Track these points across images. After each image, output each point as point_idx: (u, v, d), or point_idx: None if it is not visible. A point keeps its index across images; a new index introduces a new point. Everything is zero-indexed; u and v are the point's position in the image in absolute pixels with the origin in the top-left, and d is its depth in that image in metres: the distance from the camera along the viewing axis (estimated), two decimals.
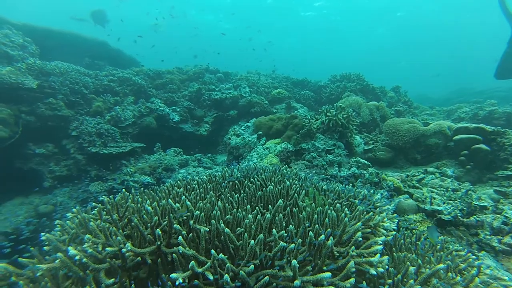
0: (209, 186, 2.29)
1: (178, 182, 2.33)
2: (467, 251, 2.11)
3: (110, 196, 2.14)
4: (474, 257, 2.01)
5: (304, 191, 2.17)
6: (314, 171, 4.73)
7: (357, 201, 2.10)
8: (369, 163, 4.85)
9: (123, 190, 2.29)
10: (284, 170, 2.79)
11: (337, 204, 1.76)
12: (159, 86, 9.03)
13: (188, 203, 1.61)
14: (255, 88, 9.61)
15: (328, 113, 5.46)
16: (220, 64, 11.35)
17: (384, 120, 6.86)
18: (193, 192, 1.95)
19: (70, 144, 6.42)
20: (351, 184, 4.14)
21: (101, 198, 2.29)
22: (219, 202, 1.74)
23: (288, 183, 2.16)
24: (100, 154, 6.03)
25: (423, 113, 9.70)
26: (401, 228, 3.20)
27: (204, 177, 2.52)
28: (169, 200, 1.57)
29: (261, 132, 6.23)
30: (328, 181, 4.46)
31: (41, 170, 6.10)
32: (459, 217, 2.92)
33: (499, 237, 2.88)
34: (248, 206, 1.79)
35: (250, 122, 7.15)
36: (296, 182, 2.48)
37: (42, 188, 6.01)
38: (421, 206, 3.23)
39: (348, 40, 46.63)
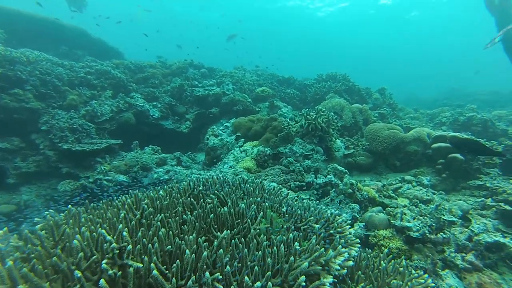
0: (164, 203, 2.12)
1: (128, 199, 2.14)
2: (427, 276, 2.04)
3: (50, 213, 1.95)
4: (432, 285, 1.94)
5: (262, 213, 2.04)
6: (290, 177, 4.62)
7: (317, 226, 1.99)
8: (346, 171, 4.78)
9: (69, 207, 2.10)
10: (248, 185, 2.65)
11: (290, 234, 1.64)
12: (141, 81, 8.66)
13: (125, 233, 1.44)
14: (239, 85, 9.35)
15: (308, 116, 5.33)
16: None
17: (367, 124, 6.81)
18: (136, 215, 1.77)
19: (40, 139, 6.07)
20: (325, 197, 4.10)
21: (45, 213, 2.10)
22: (162, 230, 1.58)
23: (242, 205, 2.02)
24: (72, 150, 5.72)
25: (406, 116, 9.75)
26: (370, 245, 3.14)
27: (161, 192, 2.34)
28: (102, 230, 1.39)
29: (239, 134, 6.06)
30: (302, 190, 4.37)
31: (4, 166, 5.75)
32: (427, 234, 2.87)
33: (463, 254, 2.86)
34: (192, 235, 1.63)
35: (230, 122, 6.95)
36: (258, 199, 2.35)
37: (5, 184, 5.68)
38: (392, 221, 3.17)
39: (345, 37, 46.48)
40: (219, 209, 2.06)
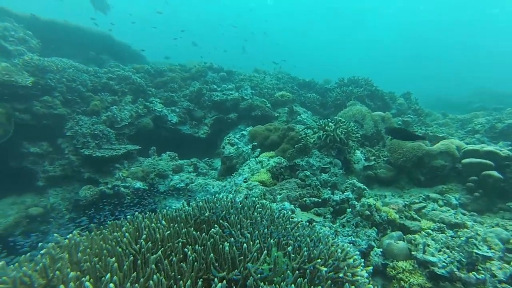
0: (166, 234, 2.03)
1: (127, 229, 2.07)
2: None
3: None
4: None
5: (266, 251, 1.88)
6: (305, 192, 4.42)
7: (324, 269, 1.79)
8: (364, 187, 4.49)
9: (69, 236, 2.06)
10: (256, 213, 2.49)
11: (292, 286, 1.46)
12: (160, 85, 8.78)
13: (111, 285, 1.35)
14: (258, 89, 9.22)
15: (326, 127, 5.07)
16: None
17: None
18: (130, 255, 1.68)
19: (65, 143, 6.32)
20: (341, 216, 3.83)
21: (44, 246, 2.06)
22: (155, 278, 1.47)
23: (245, 245, 1.87)
24: (92, 156, 5.90)
25: (434, 122, 9.05)
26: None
27: (163, 222, 2.25)
28: (86, 283, 1.31)
29: (256, 143, 5.92)
30: (318, 206, 4.15)
31: (35, 169, 6.05)
32: (455, 272, 2.55)
33: None
34: (188, 282, 1.51)
35: (247, 130, 6.85)
36: (265, 231, 2.19)
37: (35, 187, 5.98)
38: (413, 252, 2.87)
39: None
40: (221, 245, 1.93)
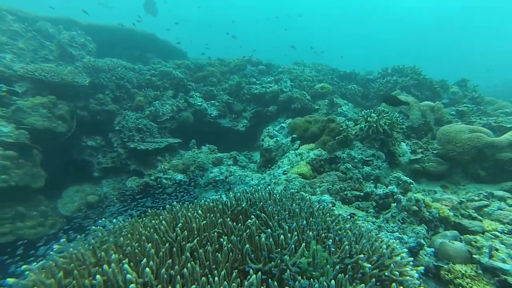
0: (202, 223, 2.07)
1: (164, 218, 2.16)
2: None
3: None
4: None
5: (304, 243, 1.80)
6: (347, 185, 4.22)
7: (368, 266, 1.65)
8: (411, 181, 4.16)
9: (114, 221, 2.23)
10: (294, 205, 2.41)
11: (332, 281, 1.36)
12: (200, 79, 9.09)
13: (147, 270, 1.41)
14: (297, 82, 9.13)
15: (368, 118, 4.79)
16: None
17: (441, 124, 5.81)
18: (166, 243, 1.74)
19: (115, 137, 6.93)
20: (385, 211, 3.56)
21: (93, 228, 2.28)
22: (188, 266, 1.50)
23: (282, 236, 1.81)
24: (137, 149, 6.37)
25: (499, 111, 7.81)
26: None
27: (199, 211, 2.30)
28: (125, 265, 1.39)
29: (295, 135, 5.85)
30: (359, 200, 3.92)
31: (91, 161, 6.76)
32: None
33: None
34: (223, 272, 1.50)
35: (286, 122, 6.77)
36: (304, 223, 2.11)
37: (92, 177, 6.70)
38: (475, 256, 2.50)
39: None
40: (257, 237, 1.90)
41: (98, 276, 1.36)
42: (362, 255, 1.80)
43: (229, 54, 11.52)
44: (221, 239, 1.91)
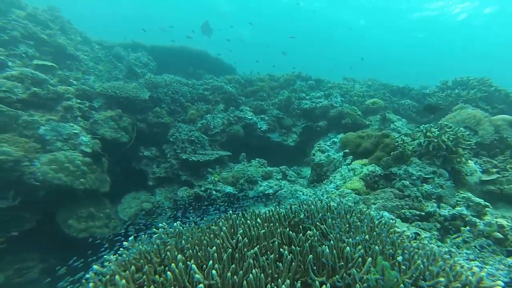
0: (261, 232, 2.03)
1: (223, 225, 2.17)
2: None
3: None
4: None
5: (370, 258, 1.63)
6: (404, 203, 3.87)
7: None
8: (486, 203, 3.59)
9: (175, 224, 2.32)
10: (354, 218, 2.25)
11: None
12: (250, 94, 9.41)
13: (214, 272, 1.40)
14: (347, 97, 9.09)
15: (428, 133, 4.45)
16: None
17: None
18: (228, 250, 1.73)
19: (168, 149, 7.42)
20: (452, 234, 3.11)
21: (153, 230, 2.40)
22: (254, 272, 1.46)
23: (347, 248, 1.67)
24: (189, 160, 6.71)
25: None
26: None
27: (259, 220, 2.26)
28: (192, 265, 1.40)
29: (347, 150, 5.75)
30: (419, 221, 3.52)
31: (147, 171, 7.32)
32: None
33: None
34: (286, 282, 1.42)
35: (338, 137, 6.64)
36: (366, 237, 1.94)
37: (147, 186, 7.22)
38: None
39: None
40: (319, 248, 1.79)
41: (169, 274, 1.39)
42: (442, 279, 1.57)
43: (278, 70, 11.83)
44: (281, 249, 1.85)
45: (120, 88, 7.12)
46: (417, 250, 1.95)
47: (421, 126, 5.05)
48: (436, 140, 4.43)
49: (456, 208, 3.68)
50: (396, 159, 4.77)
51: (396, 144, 5.00)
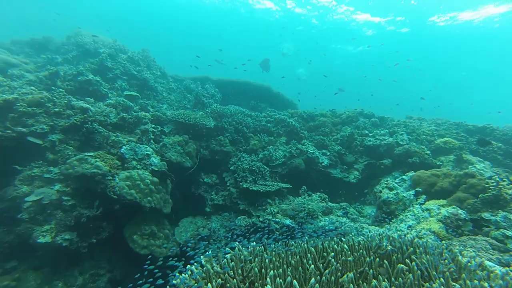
0: (349, 259, 1.98)
1: (311, 247, 2.16)
2: None
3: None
4: None
5: None
6: (509, 258, 3.28)
7: None
8: None
9: (252, 244, 2.39)
10: (459, 258, 2.01)
11: None
12: (312, 128, 9.57)
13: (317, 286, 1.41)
14: (414, 135, 8.74)
15: None
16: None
17: None
18: (318, 271, 1.71)
19: (228, 177, 7.76)
20: None
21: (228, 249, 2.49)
22: None
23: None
24: (249, 190, 6.88)
25: None
26: None
27: (345, 245, 2.21)
28: (295, 282, 1.43)
29: (420, 189, 5.40)
30: None
31: (205, 197, 7.69)
32: None
33: None
34: None
35: (407, 175, 6.28)
36: (477, 283, 1.72)
37: (204, 212, 7.53)
38: None
39: None
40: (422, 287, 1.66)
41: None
42: None
43: (338, 106, 11.93)
44: (375, 282, 1.76)
45: (189, 116, 7.90)
46: None
47: None
48: None
49: None
50: (487, 203, 4.33)
51: (486, 185, 4.54)
